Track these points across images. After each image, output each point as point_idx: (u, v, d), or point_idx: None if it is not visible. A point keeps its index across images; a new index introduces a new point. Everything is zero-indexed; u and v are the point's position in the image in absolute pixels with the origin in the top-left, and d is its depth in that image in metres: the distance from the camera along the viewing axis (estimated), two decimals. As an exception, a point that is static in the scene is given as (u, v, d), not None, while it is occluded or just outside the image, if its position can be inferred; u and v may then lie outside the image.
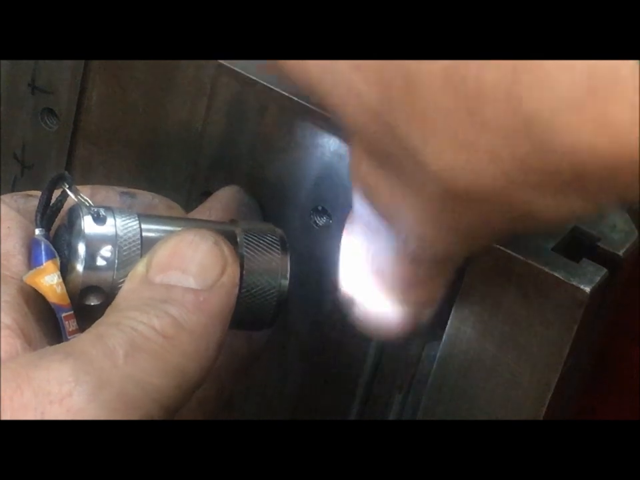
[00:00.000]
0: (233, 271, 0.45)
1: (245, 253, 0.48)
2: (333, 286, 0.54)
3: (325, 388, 0.56)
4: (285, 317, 0.52)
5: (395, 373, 0.53)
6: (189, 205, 0.55)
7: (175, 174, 0.58)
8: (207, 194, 0.56)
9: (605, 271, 0.46)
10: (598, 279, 0.45)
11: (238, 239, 0.49)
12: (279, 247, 0.49)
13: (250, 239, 0.49)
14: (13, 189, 0.63)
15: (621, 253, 0.48)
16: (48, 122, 0.62)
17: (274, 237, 0.50)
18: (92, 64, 0.59)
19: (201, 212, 0.54)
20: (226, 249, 0.45)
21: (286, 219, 0.52)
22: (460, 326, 0.48)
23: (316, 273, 0.54)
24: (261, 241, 0.49)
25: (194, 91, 0.56)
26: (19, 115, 0.62)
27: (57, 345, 0.42)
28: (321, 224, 0.54)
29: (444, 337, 0.49)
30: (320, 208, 0.54)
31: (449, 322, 0.49)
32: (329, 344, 0.55)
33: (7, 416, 0.38)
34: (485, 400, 0.48)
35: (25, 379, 0.39)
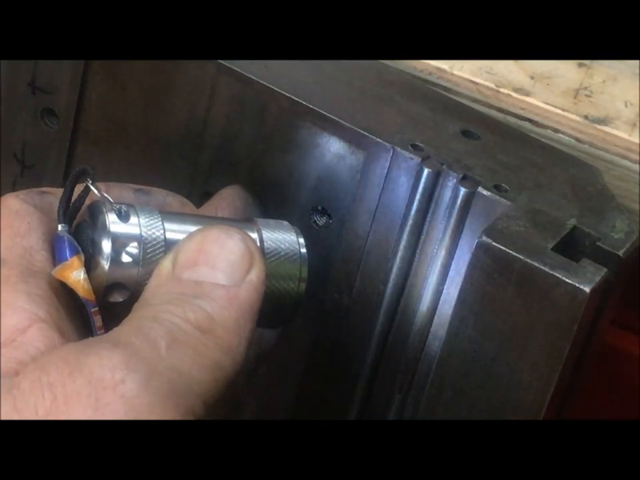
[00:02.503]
0: (260, 268, 0.45)
1: (265, 250, 0.48)
2: (333, 286, 0.54)
3: (325, 388, 0.56)
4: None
5: (394, 373, 0.53)
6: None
7: (175, 174, 0.58)
8: (207, 194, 0.56)
9: (604, 270, 0.46)
10: (598, 278, 0.45)
11: (257, 237, 0.49)
12: (297, 245, 0.49)
13: (270, 238, 0.49)
14: (13, 188, 0.63)
15: (620, 253, 0.48)
16: (48, 122, 0.62)
17: (292, 235, 0.50)
18: (92, 64, 0.59)
19: (207, 210, 0.54)
20: (252, 245, 0.45)
21: (286, 218, 0.52)
22: (460, 326, 0.48)
23: (316, 272, 0.54)
24: (281, 239, 0.49)
25: (194, 90, 0.56)
26: (19, 115, 0.62)
27: (100, 336, 0.43)
28: (320, 224, 0.54)
29: (444, 336, 0.49)
30: (320, 208, 0.54)
31: (449, 322, 0.49)
32: (329, 344, 0.55)
33: (59, 403, 0.38)
34: (485, 400, 0.48)
35: (77, 366, 0.39)
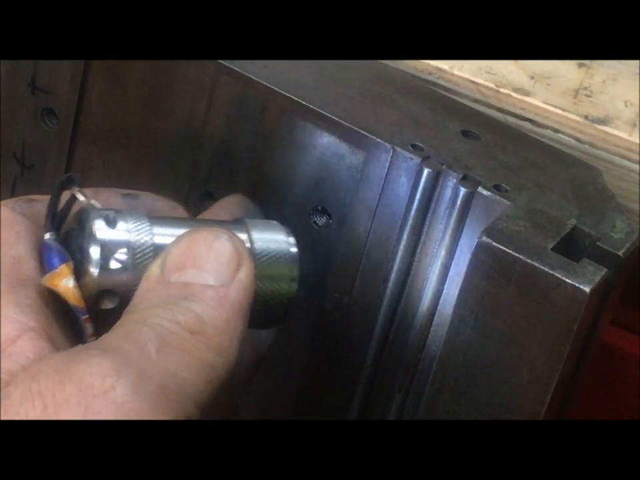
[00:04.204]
0: (248, 267, 0.45)
1: (255, 251, 0.48)
2: (333, 286, 0.54)
3: (325, 388, 0.56)
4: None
5: (395, 373, 0.53)
6: (188, 206, 0.55)
7: (175, 174, 0.58)
8: (206, 194, 0.57)
9: (604, 270, 0.46)
10: (598, 278, 0.45)
11: (247, 238, 0.49)
12: (287, 245, 0.49)
13: (259, 238, 0.49)
14: (13, 188, 0.63)
15: (620, 253, 0.48)
16: (48, 122, 0.62)
17: (282, 235, 0.50)
18: (92, 64, 0.59)
19: (206, 217, 0.54)
20: (240, 245, 0.45)
21: (286, 218, 0.52)
22: (460, 326, 0.48)
23: (316, 272, 0.54)
24: (270, 239, 0.49)
25: (194, 90, 0.56)
26: (19, 115, 0.62)
27: (90, 343, 0.43)
28: (320, 224, 0.54)
29: (444, 336, 0.49)
30: (320, 208, 0.54)
31: (449, 322, 0.49)
32: (329, 344, 0.55)
33: (49, 411, 0.38)
34: (485, 400, 0.48)
35: (66, 374, 0.39)
